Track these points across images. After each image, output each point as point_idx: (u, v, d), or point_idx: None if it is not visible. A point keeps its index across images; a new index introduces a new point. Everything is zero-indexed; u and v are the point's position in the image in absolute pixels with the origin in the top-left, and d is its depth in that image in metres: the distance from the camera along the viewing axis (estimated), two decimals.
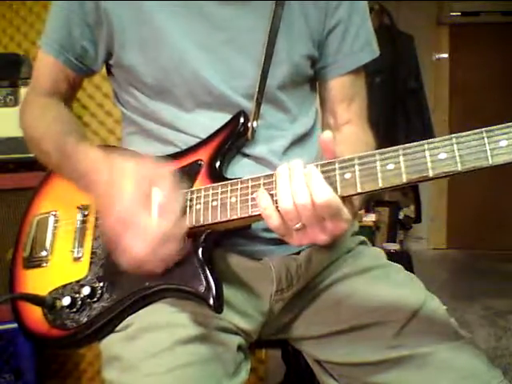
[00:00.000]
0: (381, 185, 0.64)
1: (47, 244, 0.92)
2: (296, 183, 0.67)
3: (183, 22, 0.87)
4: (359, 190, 0.65)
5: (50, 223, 0.93)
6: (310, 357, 0.93)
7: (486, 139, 0.60)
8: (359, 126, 0.99)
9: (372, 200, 3.08)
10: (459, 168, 0.60)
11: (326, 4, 0.92)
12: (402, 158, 0.63)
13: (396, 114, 3.19)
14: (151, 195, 0.74)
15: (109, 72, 0.98)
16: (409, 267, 0.88)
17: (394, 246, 2.94)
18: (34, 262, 0.92)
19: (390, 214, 3.41)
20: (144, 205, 0.73)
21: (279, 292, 0.89)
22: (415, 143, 0.63)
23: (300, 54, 0.92)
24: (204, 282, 0.75)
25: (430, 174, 0.61)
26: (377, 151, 0.66)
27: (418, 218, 3.96)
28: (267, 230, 0.87)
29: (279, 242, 0.88)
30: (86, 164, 0.81)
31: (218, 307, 0.74)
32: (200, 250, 0.77)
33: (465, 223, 4.65)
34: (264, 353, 1.85)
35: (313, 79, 0.99)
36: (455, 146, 0.61)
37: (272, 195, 0.70)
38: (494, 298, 3.21)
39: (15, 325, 0.90)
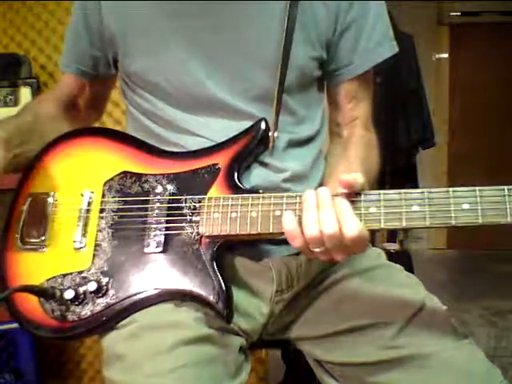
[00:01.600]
0: (404, 224, 0.66)
1: (46, 228, 0.87)
2: (325, 213, 0.68)
3: (184, 29, 0.87)
4: (382, 226, 0.68)
5: (49, 206, 0.88)
6: (311, 357, 0.93)
7: (506, 197, 0.62)
8: (364, 126, 0.98)
9: None
10: (480, 221, 0.62)
11: (336, 5, 0.90)
12: (427, 202, 0.65)
13: (396, 114, 3.19)
14: None
15: (116, 69, 1.01)
16: (409, 267, 0.88)
17: (393, 246, 2.94)
18: (29, 246, 0.87)
19: None
20: None
21: (279, 293, 0.89)
22: (440, 189, 0.66)
23: (308, 56, 0.91)
24: (216, 292, 0.76)
25: (453, 222, 0.63)
26: (402, 190, 0.68)
27: None
28: None
29: (279, 242, 0.89)
30: None
31: (229, 316, 0.76)
32: (214, 259, 0.78)
33: None
34: (264, 353, 1.85)
35: (320, 80, 0.98)
36: (478, 198, 0.63)
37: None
38: (494, 298, 3.21)
39: (15, 325, 0.88)
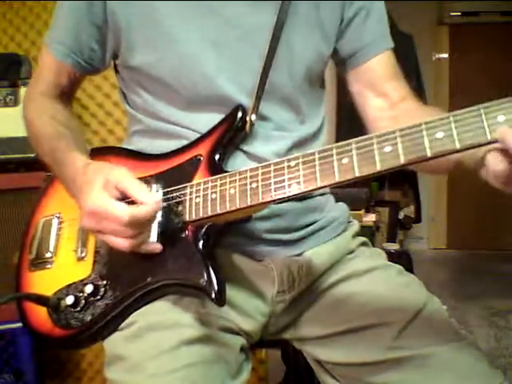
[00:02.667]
0: (379, 168, 0.63)
1: (51, 245, 0.92)
2: None
3: (192, 22, 0.86)
4: (357, 175, 0.64)
5: (54, 225, 0.94)
6: (311, 357, 0.93)
7: (483, 116, 0.58)
8: (416, 101, 0.95)
9: (372, 200, 3.07)
10: (457, 146, 0.59)
11: None
12: (399, 140, 0.62)
13: None
14: (119, 190, 0.76)
15: (116, 71, 0.98)
16: (409, 267, 0.88)
17: (393, 246, 2.93)
18: (38, 264, 0.92)
19: (390, 214, 3.41)
20: (113, 196, 0.76)
21: (281, 293, 0.89)
22: (412, 124, 0.62)
23: (311, 50, 0.91)
24: (205, 275, 0.75)
25: (428, 153, 0.60)
26: (373, 134, 0.64)
27: (417, 218, 3.96)
28: (269, 231, 0.87)
29: (281, 243, 0.89)
30: (73, 171, 0.83)
31: (220, 300, 0.74)
32: (201, 243, 0.77)
33: (465, 223, 4.65)
34: (264, 353, 1.85)
35: (323, 78, 0.98)
36: (453, 124, 0.59)
37: (270, 184, 0.71)
38: (494, 298, 3.22)
39: (16, 325, 0.90)
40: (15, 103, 1.70)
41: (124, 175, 0.77)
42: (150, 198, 0.75)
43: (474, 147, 0.59)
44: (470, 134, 0.59)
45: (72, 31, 0.92)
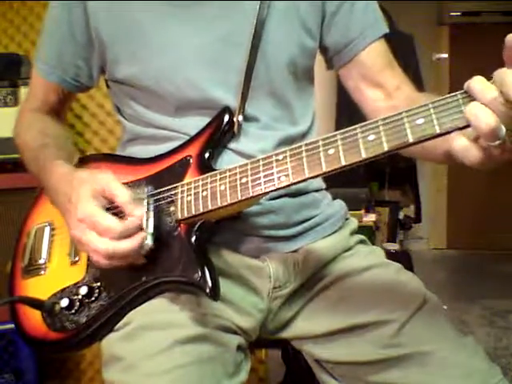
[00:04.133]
0: (364, 155, 0.65)
1: (44, 252, 0.92)
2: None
3: (171, 29, 0.87)
4: (343, 163, 0.66)
5: (47, 232, 0.94)
6: (310, 357, 0.93)
7: (460, 101, 0.61)
8: (412, 88, 0.95)
9: (372, 200, 3.08)
10: (437, 130, 0.61)
11: None
12: (381, 128, 0.64)
13: None
14: (107, 198, 0.77)
15: (107, 85, 1.00)
16: (409, 267, 0.88)
17: (393, 246, 2.94)
18: (31, 271, 0.93)
19: (390, 213, 3.42)
20: (101, 205, 0.77)
21: (277, 289, 0.89)
22: (394, 113, 0.65)
23: (293, 44, 0.91)
24: (199, 271, 0.75)
25: (410, 139, 0.62)
26: (357, 125, 0.67)
27: (417, 218, 3.96)
28: (265, 227, 0.87)
29: (277, 239, 0.89)
30: (55, 179, 0.85)
31: (215, 294, 0.75)
32: (193, 240, 0.78)
33: (465, 223, 4.66)
34: (264, 353, 1.85)
35: (310, 73, 0.98)
36: (432, 110, 0.62)
37: (259, 178, 0.72)
38: (494, 298, 3.22)
39: None
40: (15, 103, 1.70)
41: (110, 181, 0.78)
42: (138, 211, 0.76)
43: (453, 130, 0.61)
44: (448, 118, 0.61)
45: (56, 50, 0.96)
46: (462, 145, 0.61)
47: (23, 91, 1.70)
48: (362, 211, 2.55)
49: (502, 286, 3.42)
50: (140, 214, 0.77)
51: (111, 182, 0.78)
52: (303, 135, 0.95)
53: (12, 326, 0.90)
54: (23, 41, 1.94)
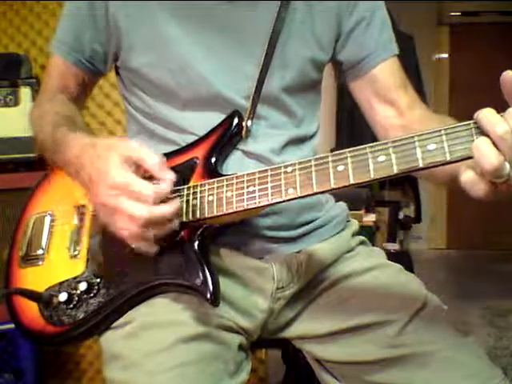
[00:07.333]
0: (373, 176, 0.65)
1: (43, 242, 0.92)
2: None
3: (189, 24, 0.87)
4: (352, 182, 0.67)
5: (47, 222, 0.93)
6: (311, 356, 0.93)
7: (473, 130, 0.61)
8: (424, 108, 0.96)
9: (372, 200, 3.08)
10: (448, 158, 0.62)
11: (337, 6, 0.92)
12: (391, 150, 0.65)
13: None
14: (136, 163, 0.75)
15: (117, 73, 1.00)
16: (409, 267, 0.88)
17: (393, 246, 2.94)
18: (29, 261, 0.92)
19: (390, 214, 3.42)
20: (131, 171, 0.74)
21: (280, 290, 0.89)
22: (405, 135, 0.65)
23: (305, 57, 0.91)
24: (200, 276, 0.75)
25: (420, 164, 0.63)
26: (366, 145, 0.67)
27: (417, 218, 3.96)
28: (269, 228, 0.88)
29: (280, 240, 0.89)
30: (77, 150, 0.82)
31: (215, 300, 0.75)
32: (196, 244, 0.78)
33: (465, 223, 4.66)
34: (264, 353, 1.85)
35: (319, 84, 0.99)
36: (444, 136, 0.62)
37: (267, 188, 0.72)
38: (494, 298, 3.22)
39: None
40: (15, 103, 1.70)
41: (137, 147, 0.76)
42: (170, 174, 0.75)
43: (463, 159, 0.61)
44: (460, 146, 0.61)
45: (75, 32, 0.95)
46: (469, 178, 0.62)
47: (23, 91, 1.70)
48: (362, 211, 2.55)
49: (502, 286, 3.42)
50: (172, 177, 0.75)
51: (137, 147, 0.76)
52: (311, 136, 0.96)
53: (12, 326, 0.90)
54: (23, 41, 1.93)
